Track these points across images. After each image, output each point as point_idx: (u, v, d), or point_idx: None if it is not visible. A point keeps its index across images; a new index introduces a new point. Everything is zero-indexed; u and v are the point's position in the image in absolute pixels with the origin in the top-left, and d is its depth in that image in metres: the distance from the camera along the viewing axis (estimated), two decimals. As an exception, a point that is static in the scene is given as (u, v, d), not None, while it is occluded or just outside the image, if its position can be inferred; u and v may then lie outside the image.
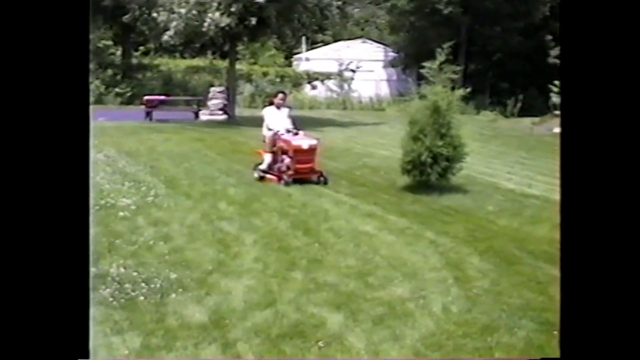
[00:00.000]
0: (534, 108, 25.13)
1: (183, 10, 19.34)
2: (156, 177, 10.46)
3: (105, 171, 10.68)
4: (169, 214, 8.06)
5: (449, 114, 9.78)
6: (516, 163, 13.78)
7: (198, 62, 34.15)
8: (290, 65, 37.79)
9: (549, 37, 29.07)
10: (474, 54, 29.91)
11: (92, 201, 6.68)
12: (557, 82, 20.29)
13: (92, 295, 4.32)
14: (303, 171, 10.28)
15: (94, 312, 4.11)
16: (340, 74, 31.59)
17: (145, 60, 33.38)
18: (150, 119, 21.17)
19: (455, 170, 9.98)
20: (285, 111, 11.00)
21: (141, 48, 34.34)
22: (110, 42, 32.22)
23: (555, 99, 20.50)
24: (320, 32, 36.82)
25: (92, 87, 24.72)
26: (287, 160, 10.28)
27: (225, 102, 22.66)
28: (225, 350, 4.36)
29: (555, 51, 28.67)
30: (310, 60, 35.03)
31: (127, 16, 25.21)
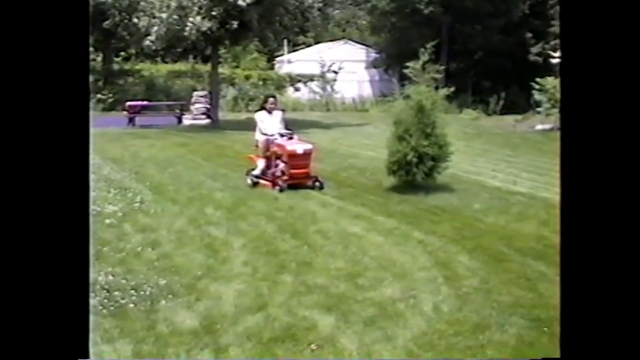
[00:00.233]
0: (516, 105, 25.25)
1: (164, 15, 19.25)
2: (142, 183, 10.39)
3: (90, 178, 10.59)
4: (156, 220, 8.02)
5: (433, 114, 9.81)
6: (501, 161, 13.86)
7: (180, 66, 33.96)
8: (272, 68, 37.77)
9: (529, 34, 29.32)
10: (456, 53, 30.02)
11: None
12: (538, 80, 20.42)
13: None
14: (298, 176, 9.97)
15: (84, 321, 4.08)
16: (322, 75, 31.55)
17: (127, 66, 33.14)
18: (134, 125, 21.05)
19: (441, 170, 10.01)
20: (277, 115, 10.71)
21: (122, 53, 34.10)
22: (91, 49, 31.99)
23: (537, 96, 20.62)
24: (302, 34, 36.93)
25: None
26: (281, 165, 9.99)
27: (208, 106, 22.59)
28: (218, 355, 4.35)
29: (535, 48, 28.93)
30: (292, 62, 35.03)
31: (107, 22, 25.02)
